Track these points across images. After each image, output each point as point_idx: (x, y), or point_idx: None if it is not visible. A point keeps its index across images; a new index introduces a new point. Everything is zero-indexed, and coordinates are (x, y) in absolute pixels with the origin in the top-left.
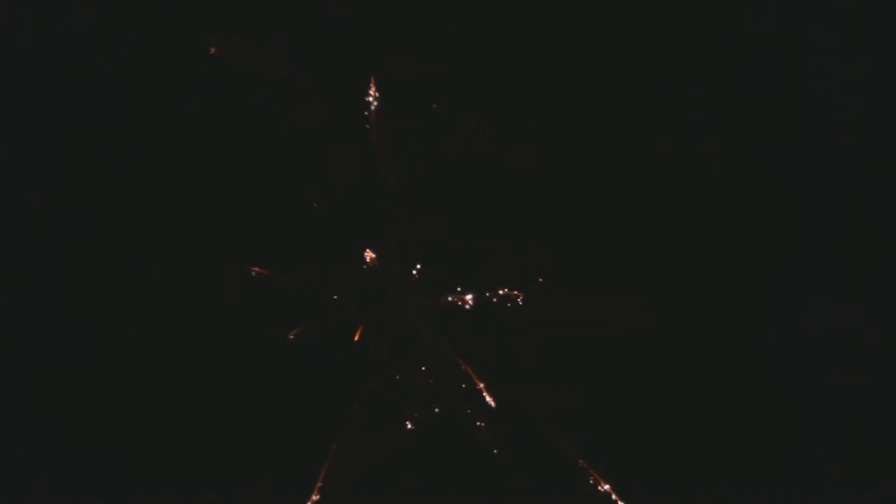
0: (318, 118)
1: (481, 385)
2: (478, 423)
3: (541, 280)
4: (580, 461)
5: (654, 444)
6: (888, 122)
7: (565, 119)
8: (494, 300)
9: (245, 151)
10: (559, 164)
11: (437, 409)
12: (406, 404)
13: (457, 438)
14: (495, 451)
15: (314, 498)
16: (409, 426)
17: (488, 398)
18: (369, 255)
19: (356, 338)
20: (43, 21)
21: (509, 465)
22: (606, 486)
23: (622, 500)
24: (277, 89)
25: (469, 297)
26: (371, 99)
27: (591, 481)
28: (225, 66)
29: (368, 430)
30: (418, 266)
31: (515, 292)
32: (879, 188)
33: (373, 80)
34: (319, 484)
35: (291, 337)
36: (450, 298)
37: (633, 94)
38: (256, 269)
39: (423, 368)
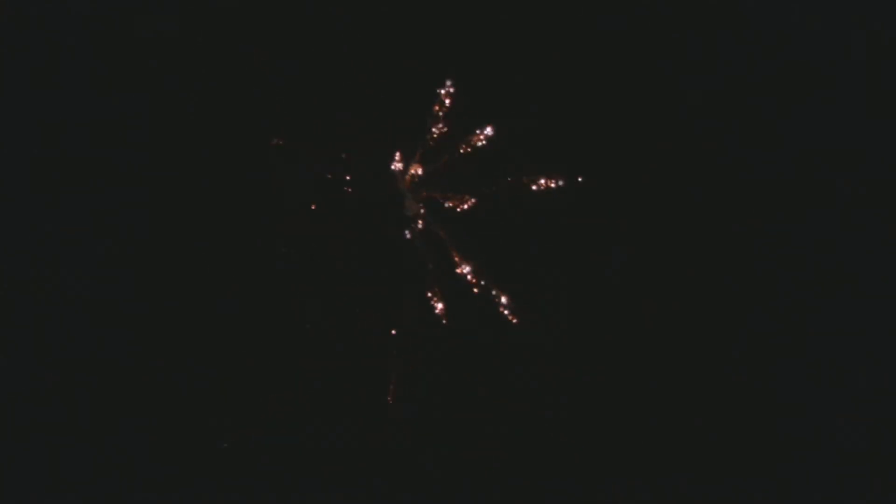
0: (317, 119)
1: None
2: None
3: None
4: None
5: (654, 443)
6: (889, 120)
7: (565, 119)
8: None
9: (245, 151)
10: (558, 165)
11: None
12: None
13: (455, 438)
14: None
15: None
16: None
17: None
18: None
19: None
20: (42, 21)
21: (509, 465)
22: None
23: (622, 500)
24: (277, 90)
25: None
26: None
27: (591, 480)
28: (225, 66)
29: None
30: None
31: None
32: (880, 187)
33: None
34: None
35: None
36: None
37: (633, 94)
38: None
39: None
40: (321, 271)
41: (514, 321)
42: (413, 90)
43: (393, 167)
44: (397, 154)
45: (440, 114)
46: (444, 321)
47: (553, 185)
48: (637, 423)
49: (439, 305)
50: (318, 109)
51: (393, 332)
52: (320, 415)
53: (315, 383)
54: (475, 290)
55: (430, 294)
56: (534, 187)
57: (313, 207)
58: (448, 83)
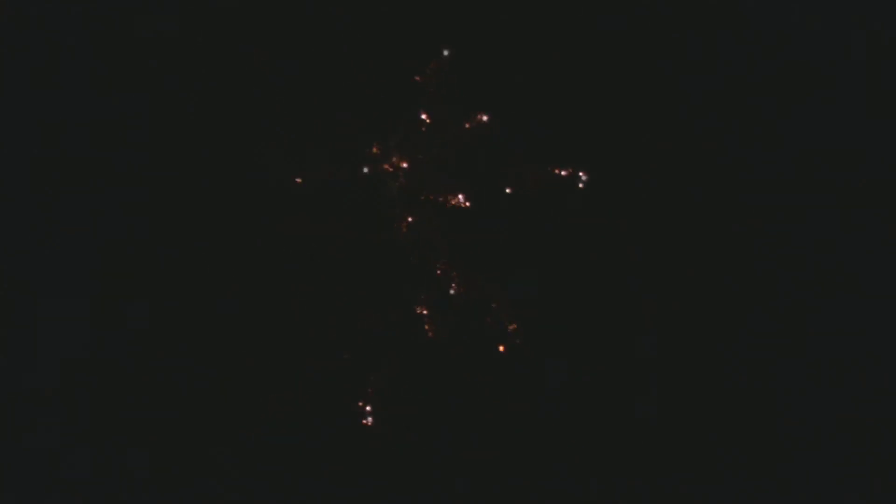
0: (317, 118)
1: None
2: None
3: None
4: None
5: (654, 443)
6: (889, 120)
7: (563, 119)
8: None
9: (245, 152)
10: (556, 165)
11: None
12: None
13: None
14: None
15: None
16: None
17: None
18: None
19: None
20: (42, 21)
21: (508, 464)
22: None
23: (621, 500)
24: (277, 90)
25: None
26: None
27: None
28: (225, 66)
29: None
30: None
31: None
32: (880, 187)
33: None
34: None
35: None
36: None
37: (633, 94)
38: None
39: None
40: (318, 271)
41: (506, 317)
42: (408, 87)
43: (374, 155)
44: (375, 146)
45: (430, 89)
46: (425, 320)
47: (550, 184)
48: (637, 423)
49: (424, 302)
50: (318, 109)
51: (377, 331)
52: (316, 416)
53: (310, 384)
54: (461, 287)
55: (414, 291)
56: (529, 185)
57: (301, 208)
58: (443, 53)
